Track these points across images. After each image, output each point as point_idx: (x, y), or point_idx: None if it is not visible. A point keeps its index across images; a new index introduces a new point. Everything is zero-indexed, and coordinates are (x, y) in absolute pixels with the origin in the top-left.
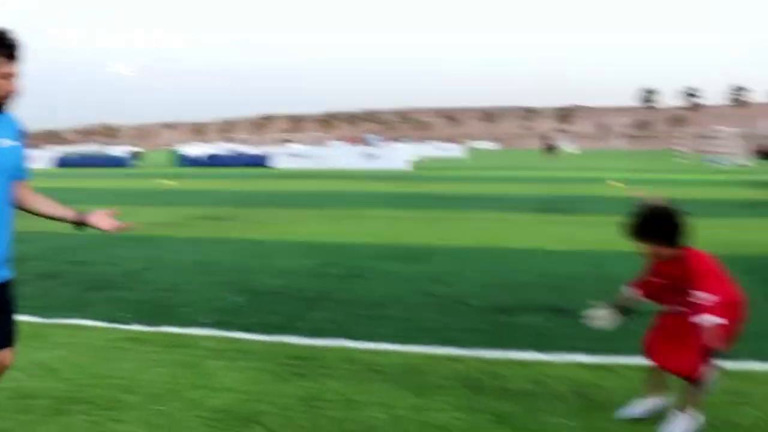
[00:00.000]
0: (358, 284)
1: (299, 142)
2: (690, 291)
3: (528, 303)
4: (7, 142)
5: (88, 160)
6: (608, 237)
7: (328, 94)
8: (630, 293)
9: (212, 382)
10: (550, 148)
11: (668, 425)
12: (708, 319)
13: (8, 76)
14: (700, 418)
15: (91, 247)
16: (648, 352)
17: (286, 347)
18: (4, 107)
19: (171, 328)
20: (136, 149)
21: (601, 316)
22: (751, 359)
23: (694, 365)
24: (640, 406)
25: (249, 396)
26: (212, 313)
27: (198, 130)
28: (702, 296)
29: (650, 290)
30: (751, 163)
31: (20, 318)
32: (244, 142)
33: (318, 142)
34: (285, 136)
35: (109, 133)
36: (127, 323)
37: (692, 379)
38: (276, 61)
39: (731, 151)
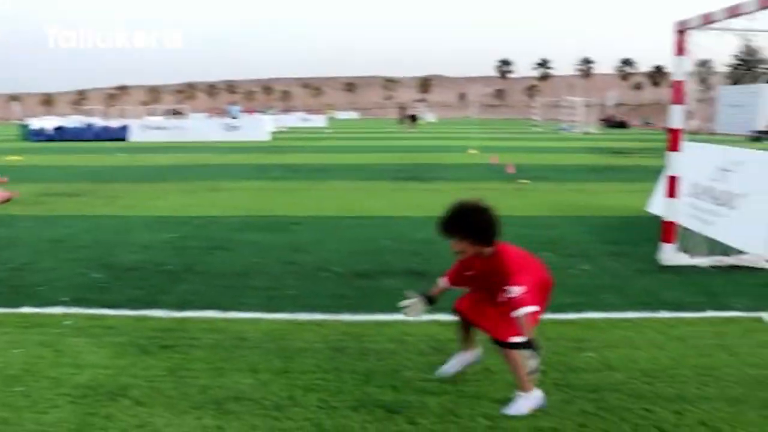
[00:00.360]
0: (221, 256)
1: (157, 113)
2: (502, 286)
3: (388, 268)
4: None
5: None
6: None
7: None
8: (441, 283)
9: (75, 360)
10: (411, 118)
11: (510, 406)
12: (522, 311)
13: None
14: (539, 395)
15: None
16: (461, 310)
17: (151, 321)
18: None
19: (28, 308)
20: None
21: (410, 306)
22: (591, 310)
23: (506, 331)
24: (455, 364)
25: (114, 371)
26: (72, 290)
27: (48, 102)
28: (514, 291)
29: (459, 280)
30: (598, 130)
31: None
32: (98, 114)
33: (176, 112)
34: (142, 108)
35: None
36: None
37: (502, 342)
38: (131, 27)
39: (580, 119)
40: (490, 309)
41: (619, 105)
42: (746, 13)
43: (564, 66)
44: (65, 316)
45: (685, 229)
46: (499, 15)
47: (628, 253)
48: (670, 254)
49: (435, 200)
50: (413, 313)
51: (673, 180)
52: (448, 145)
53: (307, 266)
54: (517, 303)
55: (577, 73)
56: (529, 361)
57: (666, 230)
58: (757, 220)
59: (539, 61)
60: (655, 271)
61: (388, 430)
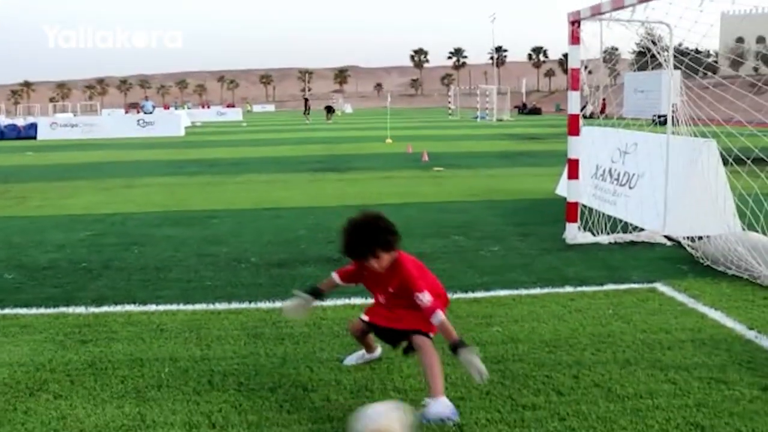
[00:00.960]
0: (137, 251)
1: (67, 110)
2: (407, 292)
3: (303, 256)
4: None
5: None
6: (373, 191)
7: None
8: (334, 279)
9: None
10: (327, 109)
11: (428, 410)
12: (437, 317)
13: None
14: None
15: None
16: (374, 322)
17: (69, 318)
18: None
19: None
20: None
21: (290, 307)
22: (499, 288)
23: (426, 324)
24: (357, 358)
25: (33, 367)
26: None
27: None
28: (424, 298)
29: (352, 278)
30: (512, 117)
31: None
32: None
33: (87, 109)
34: (50, 104)
35: None
36: None
37: (425, 331)
38: (37, 25)
39: (494, 107)
40: (404, 311)
41: (531, 92)
42: (629, 6)
43: (478, 55)
44: None
45: (590, 209)
46: (413, 5)
47: (536, 234)
48: (573, 233)
49: (352, 190)
50: (291, 313)
51: (573, 163)
52: (365, 136)
53: (224, 258)
54: (430, 310)
55: (491, 61)
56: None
57: (569, 210)
58: (653, 198)
59: (453, 50)
60: (560, 249)
61: (304, 407)
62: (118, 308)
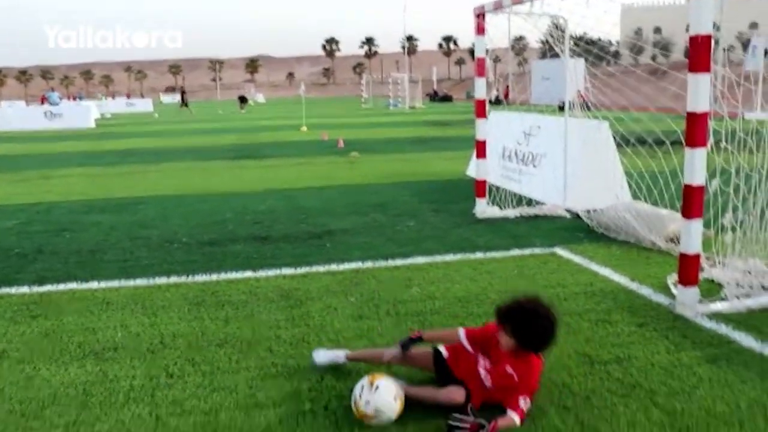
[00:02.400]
0: (68, 237)
1: None
2: (516, 391)
3: (232, 236)
4: None
5: None
6: (294, 176)
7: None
8: (456, 332)
9: None
10: (240, 99)
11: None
12: (515, 419)
13: None
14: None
15: None
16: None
17: (13, 297)
18: None
19: None
20: None
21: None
22: (416, 255)
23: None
24: (324, 357)
25: None
26: None
27: None
28: (524, 403)
29: (475, 341)
30: (424, 105)
31: None
32: None
33: None
34: None
35: None
36: None
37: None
38: None
39: (407, 95)
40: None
41: (443, 80)
42: (527, 1)
43: (389, 43)
44: None
45: (497, 187)
46: None
47: (448, 210)
48: (482, 208)
49: (272, 175)
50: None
51: (481, 144)
52: (280, 125)
53: (156, 239)
54: (520, 414)
55: (402, 50)
56: None
57: (478, 187)
58: (554, 176)
59: (365, 39)
60: (471, 223)
61: (250, 357)
62: (61, 287)
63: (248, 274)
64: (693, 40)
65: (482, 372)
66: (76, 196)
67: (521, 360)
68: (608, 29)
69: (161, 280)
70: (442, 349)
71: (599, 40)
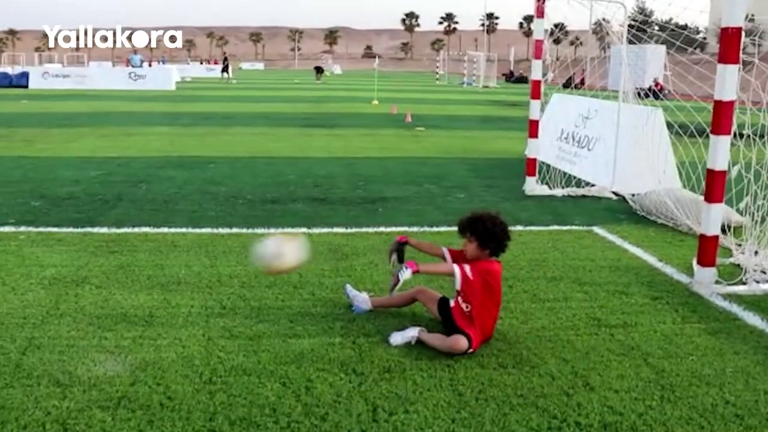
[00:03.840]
0: (145, 188)
1: (53, 60)
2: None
3: (293, 196)
4: None
5: None
6: (357, 146)
7: (82, 10)
8: (441, 248)
9: (38, 262)
10: (316, 70)
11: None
12: (450, 267)
13: None
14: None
15: None
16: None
17: (95, 236)
18: None
19: None
20: None
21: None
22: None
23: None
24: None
25: (73, 268)
26: (17, 215)
27: None
28: (468, 269)
29: (456, 256)
30: (498, 85)
31: None
32: None
33: (74, 61)
34: (36, 54)
35: None
36: None
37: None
38: None
39: (482, 73)
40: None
41: (521, 61)
42: None
43: (469, 21)
44: (17, 233)
45: (549, 167)
46: None
47: (499, 186)
48: (532, 185)
49: (337, 144)
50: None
51: (534, 123)
52: (353, 96)
53: (223, 195)
54: (461, 270)
55: (482, 28)
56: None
57: (529, 165)
58: (605, 159)
59: (444, 15)
60: (518, 199)
61: (294, 298)
62: (136, 230)
63: (303, 229)
64: (724, 31)
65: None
66: (153, 152)
67: (482, 265)
68: (695, 16)
69: (224, 230)
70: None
71: (686, 27)
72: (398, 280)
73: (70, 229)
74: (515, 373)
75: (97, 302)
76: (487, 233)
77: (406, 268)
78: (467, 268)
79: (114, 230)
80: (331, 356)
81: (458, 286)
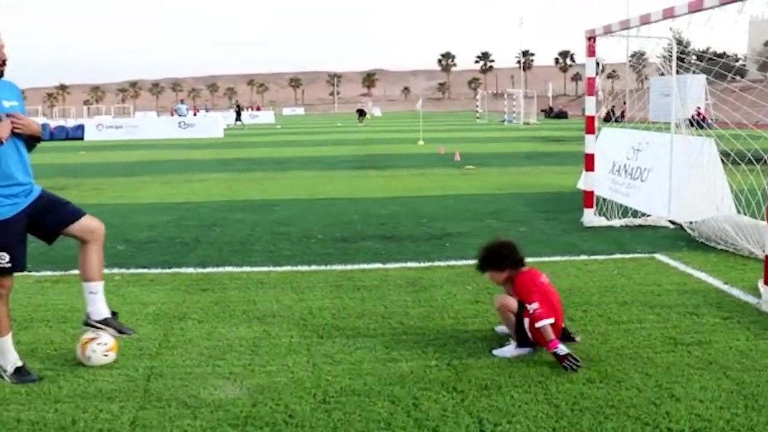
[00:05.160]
0: (219, 231)
1: (101, 112)
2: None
3: (361, 234)
4: (13, 103)
5: None
6: (413, 185)
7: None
8: None
9: (139, 300)
10: (359, 113)
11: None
12: (541, 324)
13: (2, 47)
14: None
15: None
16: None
17: (184, 275)
18: (2, 74)
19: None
20: None
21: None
22: (527, 256)
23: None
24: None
25: (172, 305)
26: (107, 258)
27: None
28: (531, 307)
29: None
30: (538, 121)
31: None
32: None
33: (121, 112)
34: (85, 107)
35: None
36: (38, 270)
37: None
38: (72, 31)
39: (521, 110)
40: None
41: (558, 96)
42: (634, 26)
43: (505, 58)
44: (112, 274)
45: (605, 199)
46: (440, 9)
47: (557, 219)
48: (590, 217)
49: (393, 184)
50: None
51: (589, 156)
52: (397, 138)
53: (295, 235)
54: (536, 317)
55: (518, 65)
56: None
57: (586, 198)
58: (660, 189)
59: (480, 54)
60: (578, 230)
61: (385, 327)
62: (221, 269)
63: (378, 265)
64: None
65: None
66: (216, 197)
67: (513, 285)
68: (733, 44)
69: (303, 268)
70: None
71: (724, 54)
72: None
73: (160, 270)
74: (604, 387)
75: (202, 335)
76: (495, 259)
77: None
78: (531, 307)
79: (200, 270)
80: (431, 377)
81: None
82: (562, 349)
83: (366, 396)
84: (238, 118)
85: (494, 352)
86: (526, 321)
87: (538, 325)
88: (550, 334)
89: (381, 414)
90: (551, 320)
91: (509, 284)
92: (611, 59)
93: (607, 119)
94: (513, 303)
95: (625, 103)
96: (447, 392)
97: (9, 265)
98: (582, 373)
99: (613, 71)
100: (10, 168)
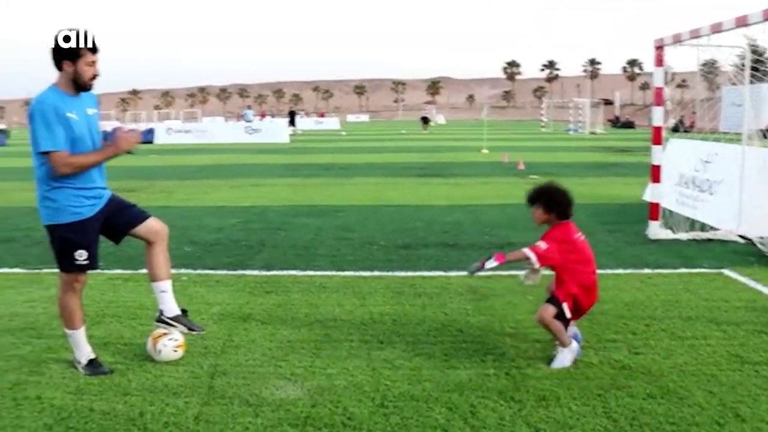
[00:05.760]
0: (284, 235)
1: (170, 117)
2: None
3: (424, 242)
4: (94, 111)
5: None
6: (476, 193)
7: (198, 68)
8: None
9: (205, 300)
10: (423, 120)
11: (555, 360)
12: (530, 254)
13: (93, 64)
14: (573, 346)
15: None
16: None
17: (248, 278)
18: (90, 87)
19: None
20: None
21: (527, 275)
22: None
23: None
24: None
25: (237, 306)
26: (174, 258)
27: None
28: (540, 244)
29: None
30: (604, 131)
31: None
32: (111, 118)
33: (189, 117)
34: (155, 111)
35: None
36: (110, 269)
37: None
38: (144, 35)
39: (587, 119)
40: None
41: (626, 105)
42: (705, 35)
43: (571, 67)
44: (179, 274)
45: (671, 212)
46: (506, 16)
47: (622, 230)
48: (655, 230)
49: (457, 192)
50: (530, 280)
51: (656, 168)
52: (461, 146)
53: (357, 241)
54: (535, 249)
55: (584, 73)
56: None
57: (652, 210)
58: (730, 202)
59: (546, 62)
60: (643, 243)
61: (444, 334)
62: (284, 272)
63: (439, 273)
64: None
65: None
66: (283, 201)
67: (552, 232)
68: None
69: (366, 273)
70: None
71: None
72: (483, 266)
73: (225, 272)
74: (664, 403)
75: (265, 336)
76: (549, 199)
77: (494, 260)
78: (538, 243)
79: (264, 273)
80: (489, 385)
81: (537, 264)
82: (492, 263)
83: (424, 402)
84: (292, 122)
85: (552, 365)
86: (490, 261)
87: (532, 256)
88: (514, 256)
89: (438, 420)
90: (539, 265)
91: (546, 227)
92: (682, 68)
93: (675, 129)
94: (549, 311)
95: (694, 112)
96: (504, 401)
97: (87, 262)
98: (642, 388)
99: (683, 80)
100: (92, 172)
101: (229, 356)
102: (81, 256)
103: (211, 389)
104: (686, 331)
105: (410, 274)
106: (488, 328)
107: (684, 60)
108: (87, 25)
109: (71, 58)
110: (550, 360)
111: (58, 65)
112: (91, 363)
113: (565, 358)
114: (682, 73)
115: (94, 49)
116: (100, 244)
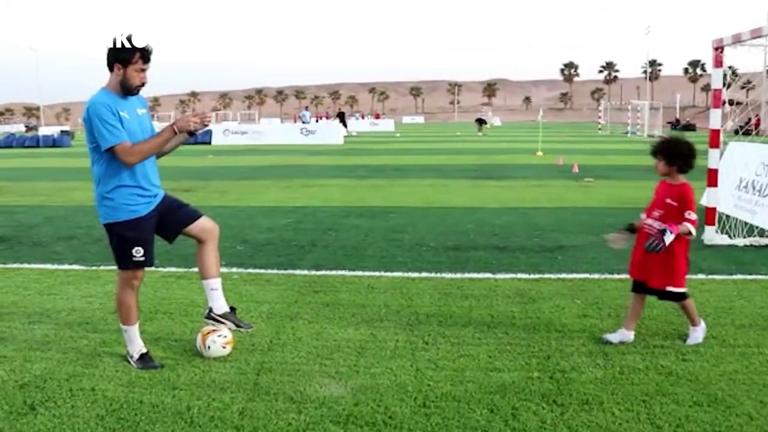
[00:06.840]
0: (334, 235)
1: (228, 118)
2: (681, 211)
3: (474, 244)
4: (144, 111)
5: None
6: (531, 196)
7: (255, 70)
8: (642, 216)
9: (254, 298)
10: (478, 122)
11: (690, 339)
12: (694, 231)
13: (142, 72)
14: (703, 325)
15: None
16: (633, 277)
17: (298, 277)
18: (136, 93)
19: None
20: (63, 128)
21: (614, 239)
22: None
23: (667, 281)
24: (618, 336)
25: (285, 305)
26: (226, 257)
27: None
28: (693, 216)
29: (649, 209)
30: (664, 133)
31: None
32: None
33: (247, 118)
34: (213, 113)
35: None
36: (164, 267)
37: (666, 293)
38: (203, 37)
39: (646, 122)
40: (653, 265)
41: (687, 108)
42: (767, 35)
43: (630, 68)
44: (231, 273)
45: (728, 216)
46: (564, 18)
47: None
48: (711, 235)
49: (508, 194)
50: (617, 244)
51: (712, 172)
52: (517, 148)
53: (407, 242)
54: (695, 225)
55: (644, 75)
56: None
57: (708, 215)
58: None
59: (605, 64)
60: (698, 248)
61: (490, 336)
62: (334, 273)
63: (487, 275)
64: None
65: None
66: (335, 202)
67: (675, 188)
68: None
69: (414, 275)
70: None
71: None
72: (662, 242)
73: (275, 271)
74: (711, 411)
75: (312, 334)
76: (674, 152)
77: (671, 232)
78: (690, 213)
79: (314, 272)
80: (532, 388)
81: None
82: (670, 237)
83: (466, 403)
84: (342, 124)
85: (688, 342)
86: (669, 235)
87: (693, 230)
88: (684, 230)
89: (479, 422)
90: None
91: (668, 181)
92: (747, 68)
93: (736, 132)
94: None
95: (757, 115)
96: (547, 405)
97: (143, 258)
98: (689, 395)
99: (748, 81)
100: (147, 171)
101: (275, 354)
102: (138, 253)
103: (256, 385)
104: (738, 338)
105: (458, 276)
106: (534, 332)
107: (750, 60)
108: (148, 28)
109: (122, 62)
110: (684, 338)
111: (110, 66)
112: (143, 357)
113: (698, 335)
114: (748, 73)
115: (145, 59)
116: (155, 243)
